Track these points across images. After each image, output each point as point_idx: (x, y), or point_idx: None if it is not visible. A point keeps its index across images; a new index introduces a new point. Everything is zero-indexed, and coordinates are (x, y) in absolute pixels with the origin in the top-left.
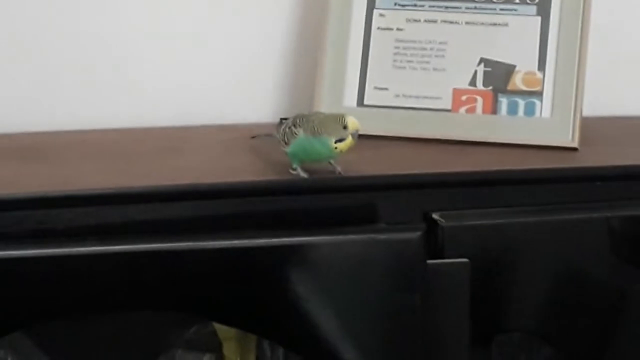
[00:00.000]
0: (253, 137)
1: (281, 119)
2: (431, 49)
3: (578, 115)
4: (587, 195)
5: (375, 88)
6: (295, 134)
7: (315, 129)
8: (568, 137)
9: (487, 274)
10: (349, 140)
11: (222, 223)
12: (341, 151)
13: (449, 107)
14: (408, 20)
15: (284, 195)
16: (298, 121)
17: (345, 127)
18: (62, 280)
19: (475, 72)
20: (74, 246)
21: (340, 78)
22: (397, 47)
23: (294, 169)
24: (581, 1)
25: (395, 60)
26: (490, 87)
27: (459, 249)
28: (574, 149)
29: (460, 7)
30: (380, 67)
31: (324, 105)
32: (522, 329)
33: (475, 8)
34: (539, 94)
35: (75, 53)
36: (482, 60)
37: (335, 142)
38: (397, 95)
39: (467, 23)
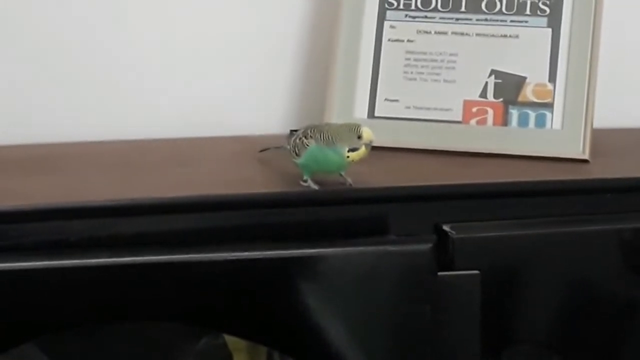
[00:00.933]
0: (262, 151)
1: (291, 131)
2: (442, 60)
3: (589, 127)
4: (598, 207)
5: (386, 100)
6: (307, 145)
7: (330, 138)
8: (579, 148)
9: (498, 285)
10: (362, 150)
11: (232, 235)
12: (353, 161)
13: (459, 118)
14: (419, 32)
15: (295, 206)
16: (309, 132)
17: (359, 137)
18: (73, 291)
19: (486, 83)
20: (85, 257)
21: (351, 89)
22: (407, 59)
23: (305, 181)
24: (592, 13)
25: (406, 72)
26: (501, 99)
27: (470, 261)
28: (585, 161)
29: (470, 19)
30: (391, 79)
31: (335, 117)
32: (533, 340)
33: (486, 20)
34: (549, 106)
35: (85, 64)
36: (492, 71)
37: (348, 151)
38: (408, 107)
39: (477, 35)
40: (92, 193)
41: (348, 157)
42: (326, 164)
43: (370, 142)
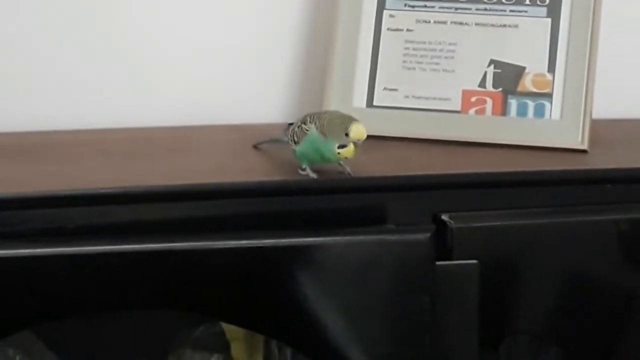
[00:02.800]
0: (255, 145)
1: (289, 124)
2: (441, 50)
3: (588, 118)
4: (596, 198)
5: (385, 89)
6: (306, 130)
7: (323, 129)
8: (577, 139)
9: (496, 275)
10: (351, 148)
11: (230, 223)
12: (346, 157)
13: (458, 108)
14: (418, 21)
15: (293, 195)
16: (309, 119)
17: (347, 135)
18: (71, 279)
19: (485, 73)
20: (82, 245)
21: (350, 79)
22: (406, 48)
23: (303, 169)
24: (591, 3)
25: (405, 61)
26: (500, 89)
27: (468, 251)
28: (584, 151)
29: (470, 9)
30: (390, 68)
31: (334, 106)
32: (531, 330)
33: (486, 9)
34: (548, 96)
35: (83, 53)
36: (491, 61)
37: (338, 148)
38: (407, 96)
39: (477, 24)
40: (89, 181)
41: (339, 153)
42: (322, 154)
43: (359, 140)
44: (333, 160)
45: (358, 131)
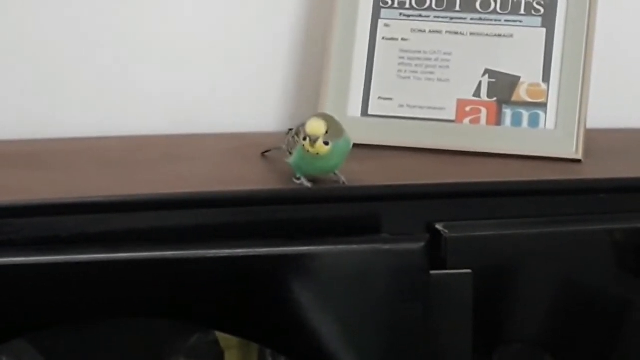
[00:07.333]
0: (265, 152)
1: (289, 130)
2: (436, 59)
3: (582, 127)
4: (591, 207)
5: (380, 98)
6: (297, 142)
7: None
8: (572, 149)
9: (490, 285)
10: (308, 142)
11: (225, 232)
12: (308, 151)
13: (453, 117)
14: (413, 31)
15: (288, 204)
16: (301, 129)
17: (306, 131)
18: (65, 287)
19: (480, 83)
20: (77, 253)
21: (345, 88)
22: (401, 58)
23: (298, 178)
24: (586, 13)
25: (399, 71)
26: (495, 98)
27: (462, 260)
28: (578, 161)
29: (465, 18)
30: (384, 77)
31: None
32: (525, 340)
33: (480, 19)
34: (543, 106)
35: (80, 60)
36: (486, 71)
37: (304, 146)
38: (402, 106)
39: (472, 34)
40: (85, 189)
41: (308, 151)
42: (306, 161)
43: (312, 135)
44: (323, 168)
45: (311, 126)
